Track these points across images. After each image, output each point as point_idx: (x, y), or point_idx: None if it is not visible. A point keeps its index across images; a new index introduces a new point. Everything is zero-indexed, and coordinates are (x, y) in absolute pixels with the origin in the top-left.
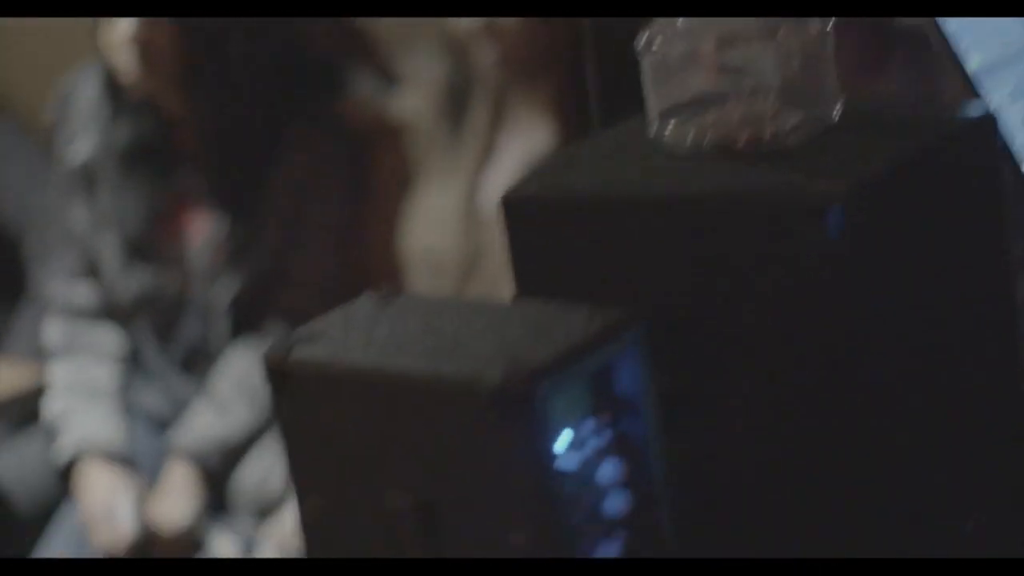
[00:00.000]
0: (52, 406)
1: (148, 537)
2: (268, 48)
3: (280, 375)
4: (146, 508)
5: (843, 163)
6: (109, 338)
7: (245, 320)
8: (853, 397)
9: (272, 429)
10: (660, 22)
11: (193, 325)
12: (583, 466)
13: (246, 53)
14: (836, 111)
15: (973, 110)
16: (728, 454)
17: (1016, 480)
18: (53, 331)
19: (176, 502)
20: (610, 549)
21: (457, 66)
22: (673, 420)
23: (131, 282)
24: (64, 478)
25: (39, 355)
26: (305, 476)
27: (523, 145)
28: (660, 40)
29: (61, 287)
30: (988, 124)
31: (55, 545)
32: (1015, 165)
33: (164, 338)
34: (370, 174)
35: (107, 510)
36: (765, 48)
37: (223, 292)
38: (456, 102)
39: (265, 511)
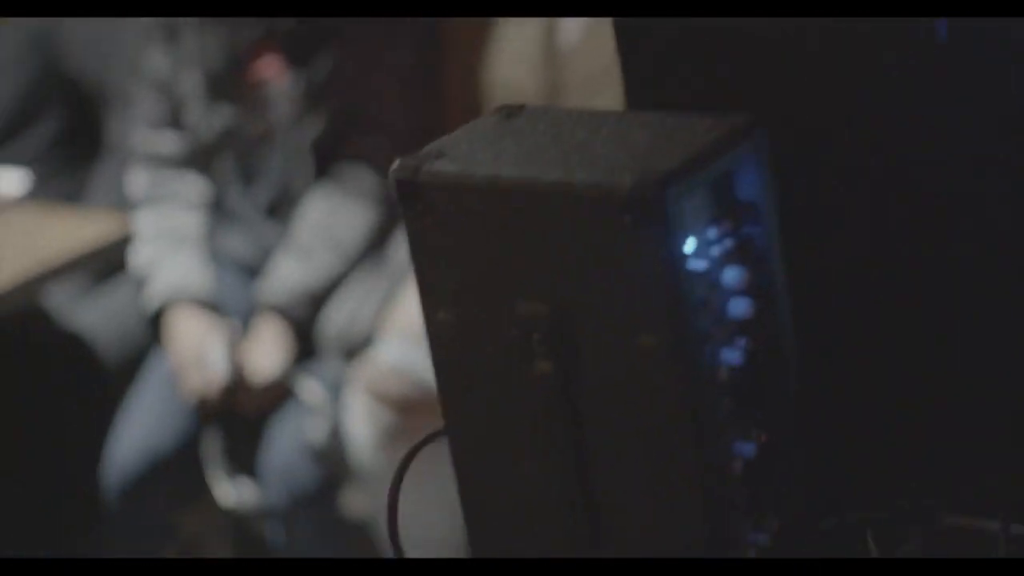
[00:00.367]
0: (139, 255)
1: (238, 382)
2: None
3: (410, 191)
4: (236, 356)
5: None
6: (193, 185)
7: (325, 164)
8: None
9: (357, 270)
10: None
11: (276, 169)
12: (709, 271)
13: None
14: None
15: None
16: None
17: None
18: (137, 180)
19: (265, 354)
20: (733, 355)
21: None
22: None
23: (214, 120)
24: (153, 326)
25: (122, 205)
26: (434, 292)
27: None
28: None
29: (144, 136)
30: None
31: (145, 393)
32: None
33: (248, 183)
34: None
35: (198, 355)
36: None
37: (304, 135)
38: None
39: (352, 352)
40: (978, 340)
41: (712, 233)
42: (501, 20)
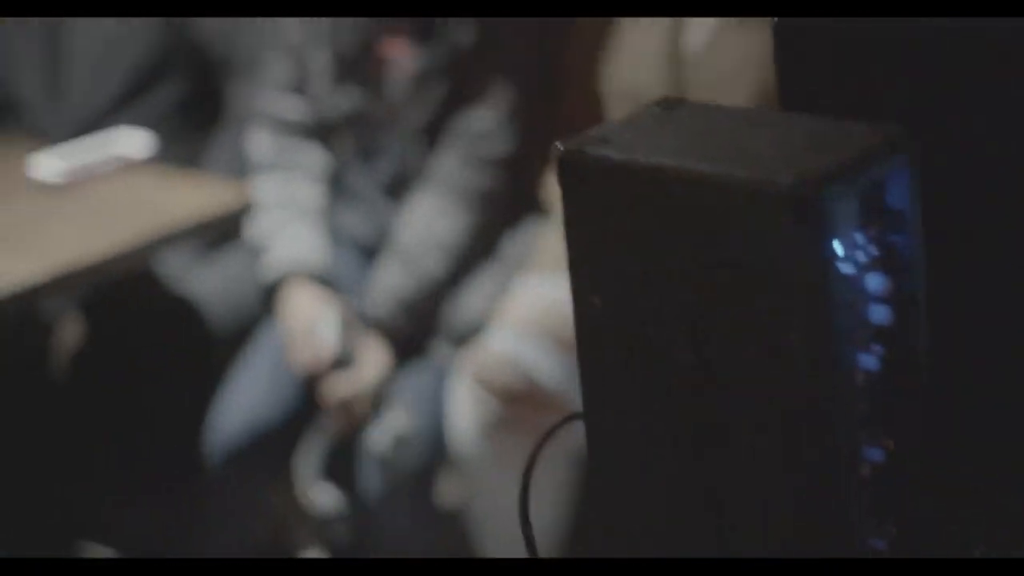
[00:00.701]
0: (258, 223)
1: (346, 358)
2: None
3: (573, 173)
4: (348, 334)
5: None
6: (316, 156)
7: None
8: None
9: (467, 262)
10: None
11: (396, 148)
12: (854, 274)
13: None
14: None
15: None
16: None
17: None
18: (262, 143)
19: (362, 368)
20: (870, 360)
21: None
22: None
23: (340, 100)
24: (267, 297)
25: (240, 174)
26: (585, 276)
27: None
28: None
29: (272, 99)
30: None
31: (255, 361)
32: None
33: (368, 160)
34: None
35: (310, 329)
36: None
37: (423, 115)
38: None
39: (462, 340)
40: None
41: (859, 238)
42: (626, 20)
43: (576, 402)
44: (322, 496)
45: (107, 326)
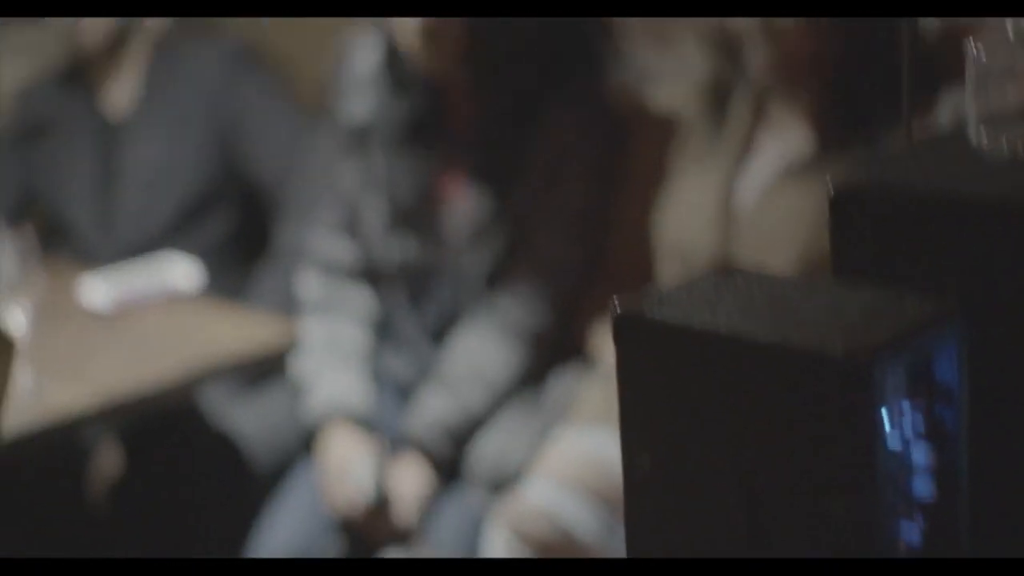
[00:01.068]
0: (304, 363)
1: (383, 505)
2: (539, 25)
3: (629, 333)
4: (385, 478)
5: None
6: (364, 300)
7: (489, 292)
8: None
9: (511, 404)
10: (987, 31)
11: (445, 293)
12: (900, 445)
13: (523, 30)
14: None
15: None
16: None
17: None
18: (310, 285)
19: (402, 489)
20: (912, 532)
21: (725, 63)
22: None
23: (393, 248)
24: (307, 436)
25: (285, 308)
26: (637, 434)
27: (780, 147)
28: (985, 50)
29: (323, 241)
30: None
31: (290, 501)
32: None
33: (416, 304)
34: (627, 161)
35: (346, 472)
36: None
37: (476, 263)
38: (719, 99)
39: (499, 486)
40: None
41: (906, 408)
42: (678, 173)
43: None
44: None
45: (145, 456)
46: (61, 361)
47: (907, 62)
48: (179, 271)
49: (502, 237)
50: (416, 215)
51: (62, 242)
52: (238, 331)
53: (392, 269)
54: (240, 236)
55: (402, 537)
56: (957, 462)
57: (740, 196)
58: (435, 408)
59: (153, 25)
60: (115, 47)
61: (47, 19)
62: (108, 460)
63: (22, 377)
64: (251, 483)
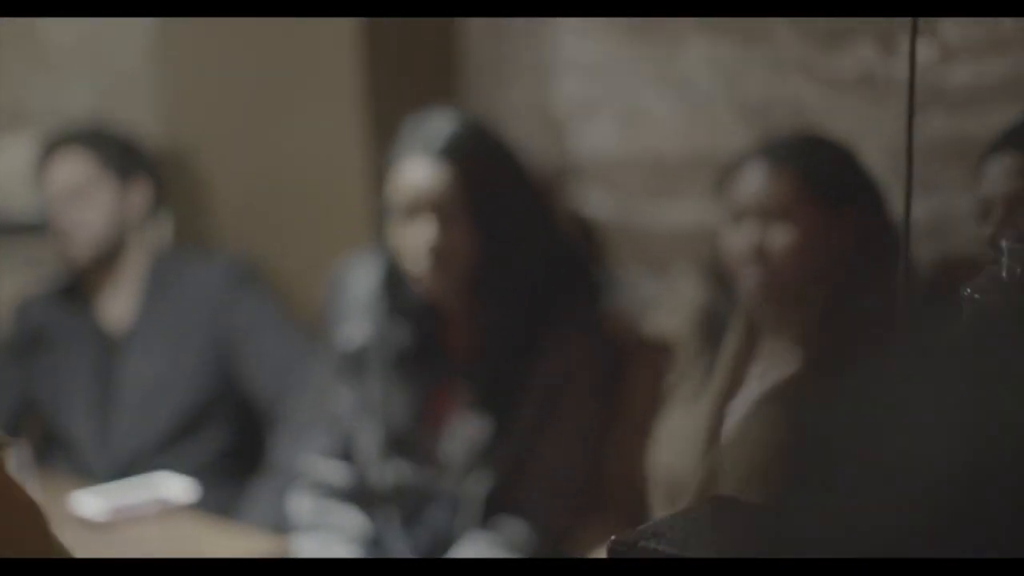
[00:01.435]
0: None
1: None
2: (539, 250)
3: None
4: None
5: None
6: (356, 520)
7: (486, 514)
8: None
9: None
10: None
11: (440, 515)
12: None
13: (525, 256)
14: None
15: None
16: None
17: None
18: (303, 506)
19: None
20: None
21: (718, 291)
22: None
23: (388, 473)
24: None
25: (277, 526)
26: None
27: (770, 375)
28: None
29: (316, 464)
30: None
31: None
32: None
33: (409, 526)
34: (624, 386)
35: None
36: None
37: (473, 487)
38: (712, 329)
39: None
40: None
41: None
42: (672, 402)
43: None
44: None
45: None
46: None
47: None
48: (173, 486)
49: (500, 461)
50: (412, 438)
51: (60, 452)
52: (231, 546)
53: (386, 492)
54: (235, 451)
55: None
56: None
57: (728, 424)
58: None
59: (150, 237)
60: (112, 259)
61: (44, 232)
62: None
63: None
64: None
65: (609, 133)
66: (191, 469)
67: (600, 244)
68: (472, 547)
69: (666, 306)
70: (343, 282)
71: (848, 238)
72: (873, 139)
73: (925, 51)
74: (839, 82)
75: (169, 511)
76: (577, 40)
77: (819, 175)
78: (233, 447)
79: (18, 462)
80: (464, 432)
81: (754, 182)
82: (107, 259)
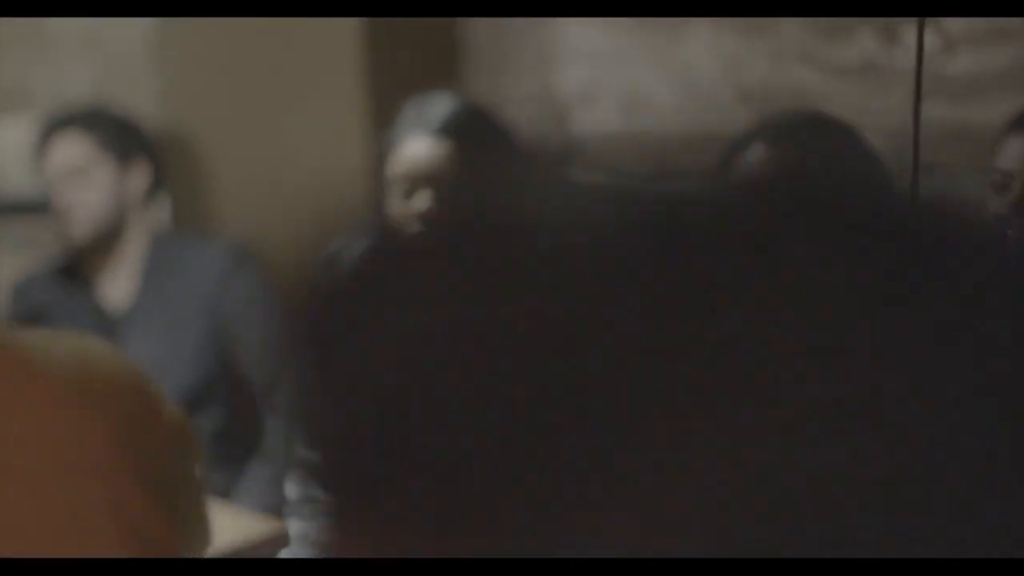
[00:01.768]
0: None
1: None
2: None
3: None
4: None
5: None
6: None
7: None
8: None
9: None
10: None
11: None
12: None
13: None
14: None
15: None
16: None
17: None
18: (299, 490)
19: None
20: None
21: None
22: None
23: None
24: None
25: (272, 509)
26: None
27: None
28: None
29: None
30: None
31: None
32: None
33: None
34: None
35: None
36: None
37: None
38: None
39: None
40: None
41: None
42: None
43: None
44: None
45: None
46: None
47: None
48: None
49: None
50: None
51: None
52: (227, 527)
53: None
54: (230, 435)
55: None
56: None
57: None
58: None
59: (149, 219)
60: (111, 240)
61: (44, 212)
62: None
63: None
64: None
65: (611, 119)
66: None
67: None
68: None
69: None
70: (337, 261)
71: None
72: (875, 127)
73: (928, 39)
74: (841, 70)
75: None
76: (579, 27)
77: (820, 154)
78: (230, 430)
79: None
80: None
81: (755, 162)
82: (106, 240)
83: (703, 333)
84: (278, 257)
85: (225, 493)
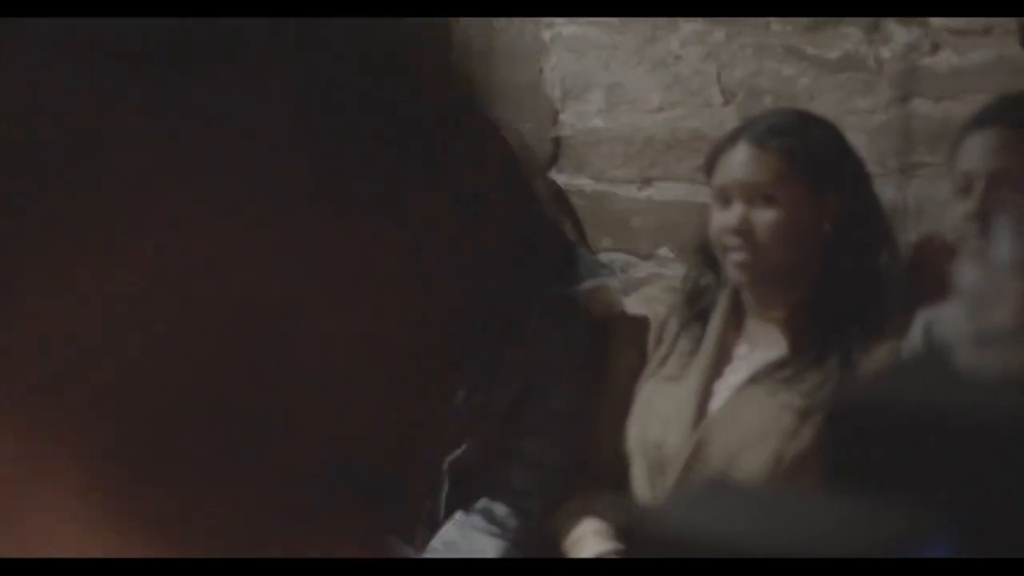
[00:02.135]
0: None
1: None
2: (519, 223)
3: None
4: None
5: None
6: None
7: (465, 490)
8: None
9: None
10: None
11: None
12: None
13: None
14: None
15: None
16: None
17: None
18: None
19: None
20: None
21: (705, 269)
22: None
23: None
24: None
25: None
26: None
27: (756, 356)
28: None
29: None
30: None
31: None
32: None
33: None
34: (607, 363)
35: None
36: None
37: (454, 468)
38: (698, 305)
39: None
40: None
41: None
42: (657, 382)
43: None
44: None
45: None
46: None
47: (889, 279)
48: None
49: (481, 441)
50: None
51: None
52: None
53: None
54: None
55: None
56: None
57: (714, 403)
58: None
59: None
60: None
61: None
62: None
63: None
64: None
65: (597, 114)
66: None
67: (585, 223)
68: (457, 530)
69: (651, 284)
70: None
71: (833, 218)
72: (859, 123)
73: (910, 36)
74: (825, 65)
75: None
76: (567, 22)
77: (805, 154)
78: None
79: None
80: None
81: (740, 161)
82: None
83: None
84: None
85: None
